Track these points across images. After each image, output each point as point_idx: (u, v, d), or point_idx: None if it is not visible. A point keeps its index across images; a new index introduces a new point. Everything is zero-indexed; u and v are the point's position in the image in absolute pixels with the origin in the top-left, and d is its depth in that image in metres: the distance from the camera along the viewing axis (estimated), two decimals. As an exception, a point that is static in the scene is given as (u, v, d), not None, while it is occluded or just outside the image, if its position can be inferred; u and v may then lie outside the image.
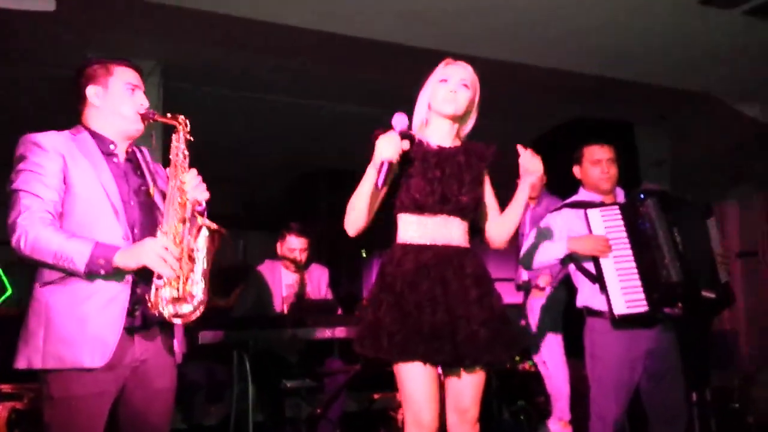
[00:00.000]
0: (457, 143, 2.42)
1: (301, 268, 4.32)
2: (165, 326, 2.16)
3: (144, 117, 2.20)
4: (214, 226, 2.16)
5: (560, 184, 4.26)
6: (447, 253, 2.28)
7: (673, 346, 3.03)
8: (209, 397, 4.76)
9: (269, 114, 6.44)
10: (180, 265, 2.05)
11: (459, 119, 2.41)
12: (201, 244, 2.13)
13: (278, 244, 4.36)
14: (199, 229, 2.14)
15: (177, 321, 2.08)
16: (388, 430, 4.49)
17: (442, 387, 2.31)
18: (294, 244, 4.27)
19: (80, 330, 1.99)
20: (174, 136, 2.20)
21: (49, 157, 2.05)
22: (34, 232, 1.97)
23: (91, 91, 2.18)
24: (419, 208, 2.29)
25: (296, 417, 3.81)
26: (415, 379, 2.18)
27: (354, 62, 5.24)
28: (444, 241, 2.30)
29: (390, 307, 2.21)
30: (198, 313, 2.09)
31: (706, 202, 3.19)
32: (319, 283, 4.41)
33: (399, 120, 2.23)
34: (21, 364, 2.01)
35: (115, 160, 2.18)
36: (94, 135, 2.17)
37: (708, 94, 5.81)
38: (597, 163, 3.14)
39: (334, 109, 6.16)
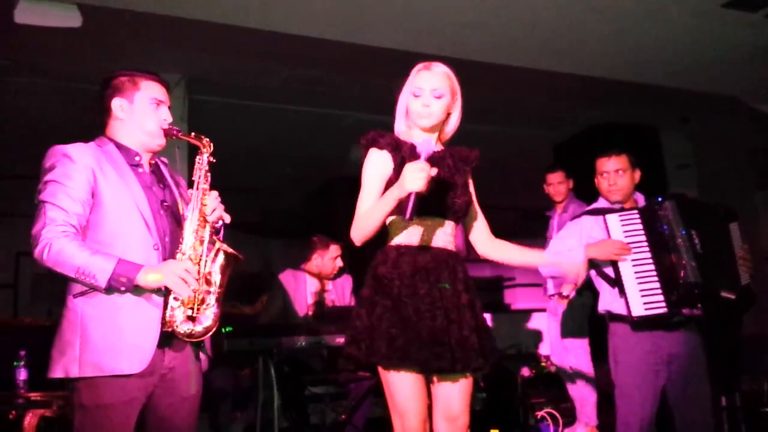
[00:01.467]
0: (440, 147, 2.37)
1: (339, 274, 4.39)
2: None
3: (167, 133, 2.22)
4: (230, 250, 2.19)
5: (585, 188, 4.24)
6: (444, 257, 2.25)
7: (698, 351, 3.00)
8: (235, 404, 4.78)
9: (291, 123, 6.50)
10: (197, 287, 2.08)
11: (440, 126, 2.35)
12: (217, 268, 2.17)
13: (317, 254, 4.37)
14: (217, 252, 2.17)
15: (188, 340, 2.11)
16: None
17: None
18: (335, 252, 4.36)
19: (118, 338, 2.02)
20: (198, 158, 2.22)
21: (77, 169, 2.07)
22: (58, 245, 1.99)
23: (116, 103, 2.20)
24: (417, 212, 2.20)
25: (321, 423, 3.82)
26: (405, 385, 2.14)
27: (374, 72, 5.28)
28: (439, 244, 2.26)
29: (387, 310, 2.16)
30: (208, 336, 2.13)
31: (730, 206, 3.16)
32: (343, 290, 4.45)
33: (425, 146, 2.14)
34: (57, 373, 2.03)
35: (140, 170, 2.21)
36: (119, 146, 2.19)
37: (734, 96, 5.76)
38: (605, 175, 3.14)
39: (355, 118, 6.20)
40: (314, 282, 4.36)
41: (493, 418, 4.16)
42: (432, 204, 2.22)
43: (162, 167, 2.31)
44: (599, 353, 4.21)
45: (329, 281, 4.40)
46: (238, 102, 5.99)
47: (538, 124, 6.55)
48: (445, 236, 2.28)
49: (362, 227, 2.21)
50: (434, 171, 2.11)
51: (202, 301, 2.11)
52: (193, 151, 2.28)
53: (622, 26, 4.60)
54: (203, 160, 2.22)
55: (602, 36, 4.71)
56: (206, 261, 2.14)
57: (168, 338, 2.12)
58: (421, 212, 2.20)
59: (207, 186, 2.20)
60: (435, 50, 4.68)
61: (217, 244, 2.17)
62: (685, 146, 6.87)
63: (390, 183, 2.22)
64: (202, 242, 2.13)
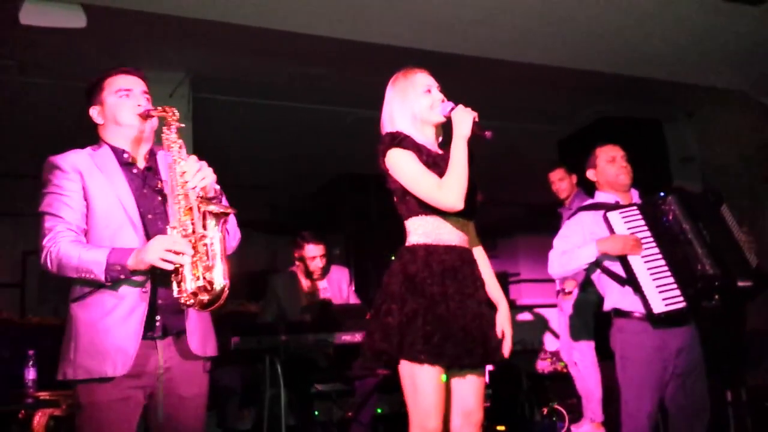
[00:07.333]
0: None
1: (322, 274, 4.30)
2: (187, 334, 2.17)
3: (144, 116, 2.21)
4: (218, 209, 2.11)
5: (590, 183, 4.25)
6: (467, 255, 2.33)
7: (698, 342, 3.02)
8: (243, 402, 4.80)
9: (295, 121, 6.50)
10: (194, 254, 2.03)
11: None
12: (211, 230, 2.09)
13: (296, 254, 4.35)
14: (204, 215, 2.09)
15: (205, 309, 2.07)
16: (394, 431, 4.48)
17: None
18: (312, 252, 4.25)
19: (104, 341, 2.06)
20: (164, 128, 2.17)
21: (69, 177, 2.13)
22: (56, 249, 2.05)
23: (93, 111, 2.26)
24: (441, 212, 2.27)
25: (328, 420, 3.84)
26: (429, 383, 2.18)
27: (377, 69, 5.26)
28: (462, 243, 2.33)
29: (422, 308, 2.20)
30: (224, 298, 2.06)
31: (715, 189, 3.18)
32: (339, 284, 4.38)
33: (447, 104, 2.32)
34: (59, 376, 2.11)
35: (134, 170, 2.22)
36: (112, 148, 2.23)
37: (739, 90, 5.74)
38: (613, 161, 3.15)
39: (358, 115, 6.20)
40: (306, 281, 4.34)
41: (499, 414, 4.18)
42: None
43: (160, 160, 2.28)
44: (602, 349, 4.21)
45: (320, 279, 4.33)
46: (242, 100, 5.99)
47: (542, 119, 6.54)
48: (465, 235, 2.35)
49: (460, 185, 2.22)
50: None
51: (207, 267, 2.04)
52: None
53: (627, 21, 4.58)
54: (171, 129, 2.16)
55: (607, 31, 4.70)
56: (198, 227, 2.06)
57: (164, 334, 2.13)
58: (451, 212, 2.26)
59: (183, 153, 2.14)
60: (440, 47, 4.69)
61: (202, 207, 2.08)
62: (689, 140, 6.84)
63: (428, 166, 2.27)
64: (189, 210, 2.08)
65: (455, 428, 2.28)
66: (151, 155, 2.29)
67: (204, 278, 2.04)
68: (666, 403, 3.01)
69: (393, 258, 2.37)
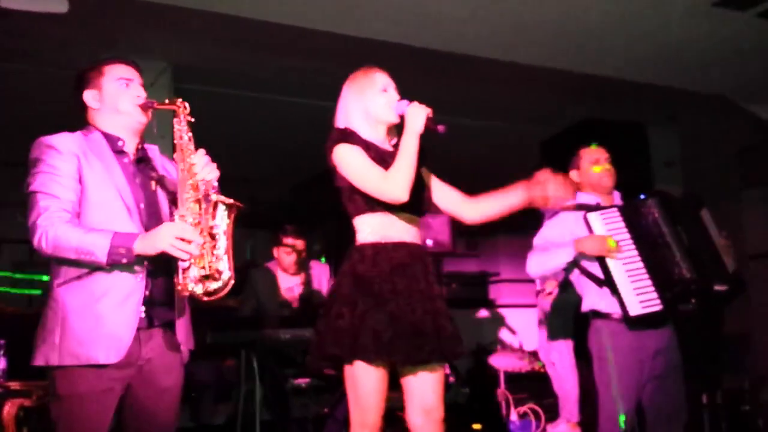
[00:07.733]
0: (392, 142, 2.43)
1: (302, 268, 4.33)
2: (169, 326, 2.18)
3: (144, 107, 2.22)
4: (229, 200, 2.16)
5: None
6: (417, 251, 2.32)
7: (676, 345, 3.05)
8: (217, 396, 4.77)
9: (278, 114, 6.47)
10: (202, 244, 2.05)
11: None
12: (219, 220, 2.13)
13: (275, 249, 4.38)
14: (216, 205, 2.14)
15: (207, 298, 2.08)
16: (395, 430, 4.48)
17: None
18: (292, 247, 4.30)
19: (96, 327, 2.02)
20: (175, 120, 2.20)
21: (64, 158, 2.09)
22: (53, 230, 2.00)
23: (88, 95, 2.23)
24: (389, 208, 2.28)
25: (304, 416, 3.82)
26: (371, 382, 2.19)
27: (363, 65, 5.24)
28: (411, 239, 2.32)
29: (371, 308, 2.19)
30: (228, 289, 2.10)
31: (695, 194, 3.21)
32: (320, 280, 4.43)
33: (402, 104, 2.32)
34: (38, 361, 2.05)
35: (125, 159, 2.21)
36: (104, 134, 2.20)
37: (721, 95, 5.79)
38: (597, 162, 3.16)
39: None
40: (287, 277, 4.34)
41: (475, 413, 4.18)
42: (408, 200, 2.25)
43: (150, 154, 2.30)
44: (580, 350, 4.24)
45: (302, 274, 4.36)
46: (224, 91, 5.94)
47: (525, 119, 6.55)
48: (415, 232, 2.34)
49: (406, 176, 2.21)
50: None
51: (212, 257, 2.07)
52: (170, 125, 2.23)
53: (611, 24, 4.60)
54: (181, 121, 2.19)
55: (591, 33, 4.71)
56: (206, 218, 2.10)
57: (149, 325, 2.12)
58: (396, 209, 2.28)
59: (191, 146, 2.17)
60: (427, 43, 4.67)
61: (214, 197, 2.14)
62: (672, 144, 6.90)
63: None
64: (198, 201, 2.10)
65: (416, 427, 2.27)
66: (142, 147, 2.28)
67: (210, 267, 2.06)
68: (643, 404, 3.03)
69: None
